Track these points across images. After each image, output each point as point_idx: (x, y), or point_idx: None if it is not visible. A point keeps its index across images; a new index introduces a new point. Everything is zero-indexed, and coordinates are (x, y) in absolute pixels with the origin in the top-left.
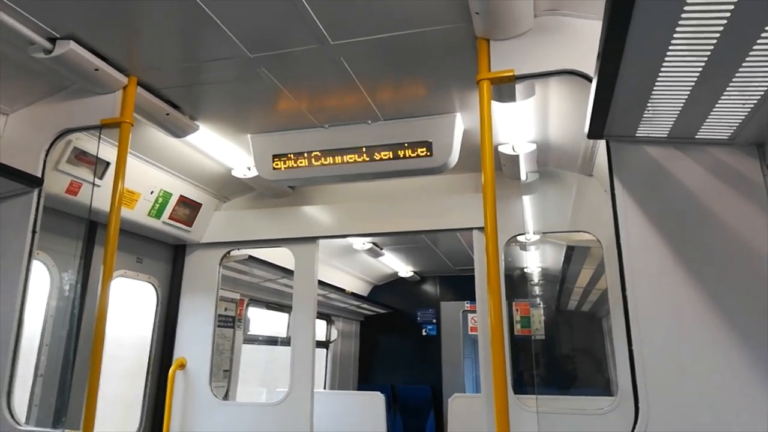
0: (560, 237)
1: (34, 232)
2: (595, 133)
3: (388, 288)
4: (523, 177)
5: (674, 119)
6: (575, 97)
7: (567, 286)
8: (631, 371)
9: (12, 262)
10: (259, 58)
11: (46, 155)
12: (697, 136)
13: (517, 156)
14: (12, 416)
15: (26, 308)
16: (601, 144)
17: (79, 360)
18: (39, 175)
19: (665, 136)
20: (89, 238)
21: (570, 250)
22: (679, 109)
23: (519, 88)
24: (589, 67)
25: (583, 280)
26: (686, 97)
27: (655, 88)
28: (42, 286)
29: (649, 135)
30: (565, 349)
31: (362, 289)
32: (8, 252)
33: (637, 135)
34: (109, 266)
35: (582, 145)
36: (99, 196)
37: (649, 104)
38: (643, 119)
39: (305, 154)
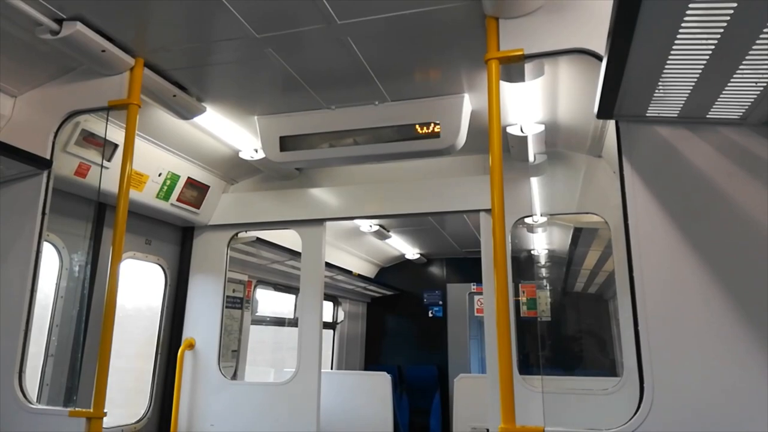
0: (568, 219)
1: (43, 213)
2: (604, 113)
3: (394, 270)
4: (531, 158)
5: (685, 99)
6: (585, 76)
7: (574, 268)
8: (637, 352)
9: (23, 244)
10: (265, 39)
11: (55, 137)
12: (708, 116)
13: (526, 137)
14: (24, 395)
15: (37, 289)
16: (611, 124)
17: (89, 340)
18: (48, 157)
19: (676, 115)
20: (98, 220)
21: (577, 232)
22: (691, 88)
23: (528, 67)
24: (600, 45)
25: (590, 262)
26: (698, 76)
27: (666, 67)
28: (52, 268)
29: (660, 115)
30: (571, 331)
31: (369, 271)
32: (19, 233)
33: (647, 115)
34: (118, 248)
35: (591, 126)
36: (107, 178)
37: (660, 83)
38: (653, 99)
39: (312, 136)
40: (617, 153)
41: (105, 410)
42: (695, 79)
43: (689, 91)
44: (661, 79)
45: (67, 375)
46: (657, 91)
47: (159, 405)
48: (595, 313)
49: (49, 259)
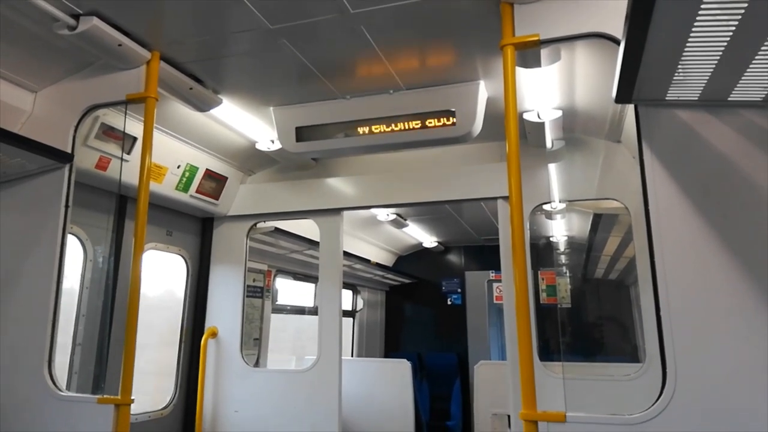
0: (587, 205)
1: (67, 206)
2: (623, 97)
3: (412, 258)
4: (548, 145)
5: (706, 81)
6: (602, 60)
7: (594, 254)
8: (659, 337)
9: (48, 237)
10: (279, 30)
11: (75, 131)
12: (729, 99)
13: (543, 123)
14: (54, 383)
15: (63, 281)
16: (630, 109)
17: (114, 329)
18: (69, 151)
19: (696, 98)
20: (120, 212)
21: (597, 218)
22: (711, 70)
23: (544, 53)
24: (617, 29)
25: (610, 247)
26: (719, 57)
27: (686, 49)
28: (77, 259)
29: (680, 98)
30: (591, 317)
31: (387, 259)
32: (44, 227)
33: (666, 98)
34: (140, 239)
35: (610, 111)
36: (128, 171)
37: (679, 66)
38: (673, 82)
39: (328, 126)
40: (637, 138)
41: (132, 397)
42: (716, 61)
43: (710, 74)
44: (680, 62)
45: (94, 363)
46: (677, 74)
47: (184, 392)
48: (616, 299)
49: (74, 251)
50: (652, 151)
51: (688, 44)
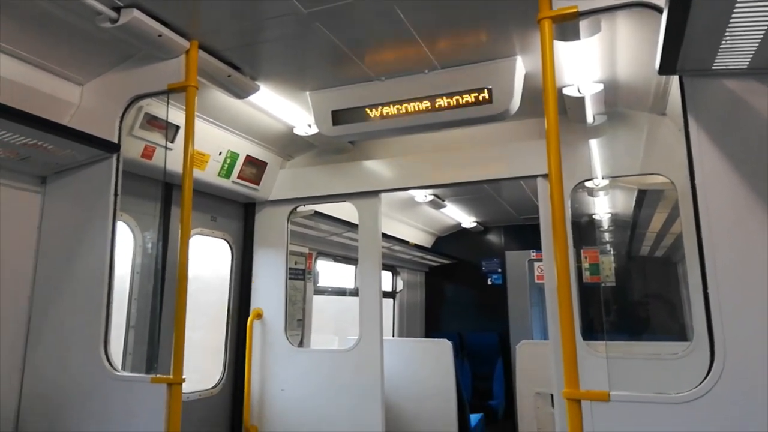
0: (631, 181)
1: (116, 195)
2: (667, 68)
3: (451, 239)
4: (589, 120)
5: (756, 48)
6: (645, 30)
7: (639, 231)
8: (707, 315)
9: (99, 224)
10: (313, 13)
11: (121, 122)
12: None
13: (583, 98)
14: (110, 363)
15: (115, 265)
16: (674, 80)
17: (165, 312)
18: (116, 141)
19: (745, 67)
20: (166, 199)
21: (641, 194)
22: (761, 36)
23: (583, 25)
24: None
25: (656, 224)
26: None
27: (733, 14)
28: (127, 245)
29: (727, 67)
30: (637, 296)
31: (426, 240)
32: (95, 215)
33: (713, 68)
34: (186, 225)
35: (653, 83)
36: (172, 159)
37: (726, 33)
38: (720, 50)
39: (364, 109)
40: (682, 109)
41: (183, 376)
42: (766, 27)
43: (759, 40)
44: (728, 29)
45: (146, 344)
46: (723, 42)
47: (232, 372)
48: (663, 276)
49: (124, 238)
50: (699, 123)
51: (736, 8)
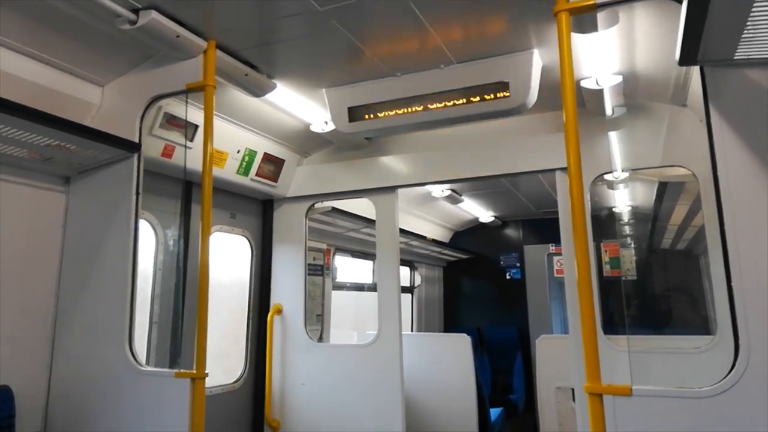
0: (651, 173)
1: (137, 193)
2: (687, 59)
3: (469, 233)
4: (608, 112)
5: None
6: (664, 20)
7: (660, 224)
8: (731, 308)
9: (122, 223)
10: (328, 11)
11: (141, 121)
12: None
13: (601, 90)
14: (135, 358)
15: (138, 263)
16: (695, 70)
17: (187, 308)
18: (137, 141)
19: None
20: (186, 197)
21: (662, 187)
22: None
23: (601, 16)
24: None
25: (677, 217)
26: None
27: (755, 3)
28: (149, 243)
29: (749, 57)
30: (658, 289)
31: (443, 235)
32: (118, 214)
33: (735, 58)
34: (206, 223)
35: (673, 73)
36: (191, 157)
37: (748, 23)
38: (741, 40)
39: (380, 105)
40: (703, 100)
41: (206, 371)
42: None
43: None
44: (749, 18)
45: (169, 340)
46: (745, 31)
47: (254, 366)
48: (685, 269)
49: (146, 236)
50: (721, 114)
51: None
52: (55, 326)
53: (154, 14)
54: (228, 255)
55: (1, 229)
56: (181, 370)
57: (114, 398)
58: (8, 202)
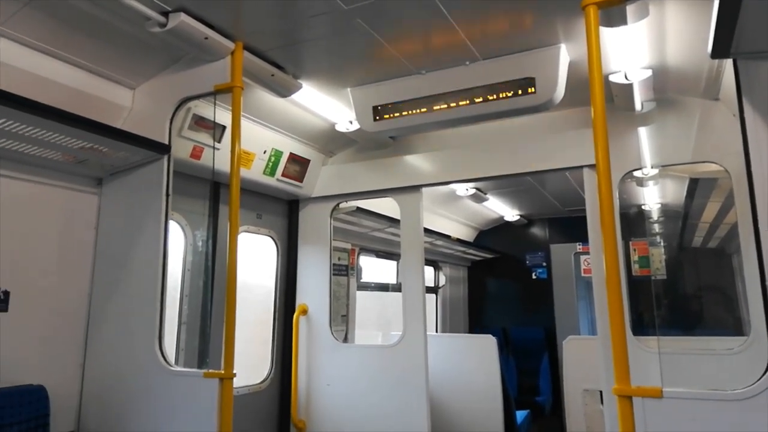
0: (682, 170)
1: (167, 194)
2: (720, 51)
3: (494, 233)
4: (637, 107)
5: None
6: (695, 12)
7: (691, 222)
8: (765, 309)
9: (152, 224)
10: (353, 9)
11: (171, 123)
12: None
13: (631, 85)
14: (164, 358)
15: (168, 264)
16: (728, 63)
17: (215, 308)
18: (167, 143)
19: None
20: (214, 198)
21: (693, 184)
22: None
23: (630, 9)
24: None
25: (709, 214)
26: None
27: None
28: (178, 244)
29: None
30: (689, 289)
31: (468, 235)
32: (148, 214)
33: None
34: (234, 223)
35: (705, 66)
36: (219, 159)
37: None
38: None
39: (404, 103)
40: (736, 94)
41: (234, 371)
42: None
43: None
44: None
45: (198, 340)
46: None
47: (280, 367)
48: (717, 268)
49: (175, 236)
50: (755, 108)
51: None
52: (87, 326)
53: (183, 16)
54: (254, 255)
55: (36, 231)
56: (210, 371)
57: (144, 398)
58: (43, 203)
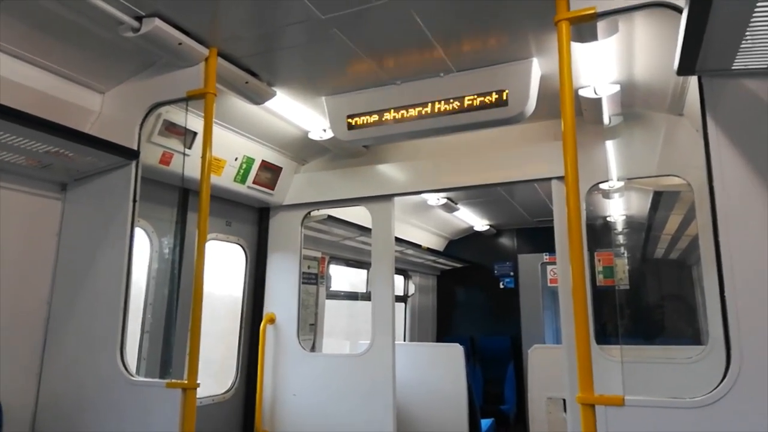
0: (647, 183)
1: (134, 201)
2: (685, 68)
3: (463, 242)
4: (605, 121)
5: None
6: (663, 30)
7: (654, 233)
8: (723, 320)
9: (117, 230)
10: (330, 19)
11: (140, 129)
12: None
13: (599, 99)
14: (126, 368)
15: (132, 271)
16: (693, 80)
17: (180, 317)
18: (135, 148)
19: (765, 67)
20: (183, 205)
21: (657, 196)
22: None
23: (601, 26)
24: None
25: (671, 226)
26: None
27: (754, 13)
28: (144, 251)
29: (747, 67)
30: (651, 299)
31: (438, 244)
32: (114, 221)
33: (733, 68)
34: (203, 230)
35: (671, 83)
36: (189, 165)
37: (747, 33)
38: (740, 50)
39: (378, 113)
40: (700, 110)
41: (198, 381)
42: None
43: None
44: (748, 28)
45: (161, 349)
46: (744, 41)
47: (245, 376)
48: (678, 279)
49: (141, 243)
50: (717, 124)
51: (756, 8)
52: (46, 335)
53: (158, 22)
54: (222, 263)
55: None
56: (172, 381)
57: (104, 409)
58: (3, 208)
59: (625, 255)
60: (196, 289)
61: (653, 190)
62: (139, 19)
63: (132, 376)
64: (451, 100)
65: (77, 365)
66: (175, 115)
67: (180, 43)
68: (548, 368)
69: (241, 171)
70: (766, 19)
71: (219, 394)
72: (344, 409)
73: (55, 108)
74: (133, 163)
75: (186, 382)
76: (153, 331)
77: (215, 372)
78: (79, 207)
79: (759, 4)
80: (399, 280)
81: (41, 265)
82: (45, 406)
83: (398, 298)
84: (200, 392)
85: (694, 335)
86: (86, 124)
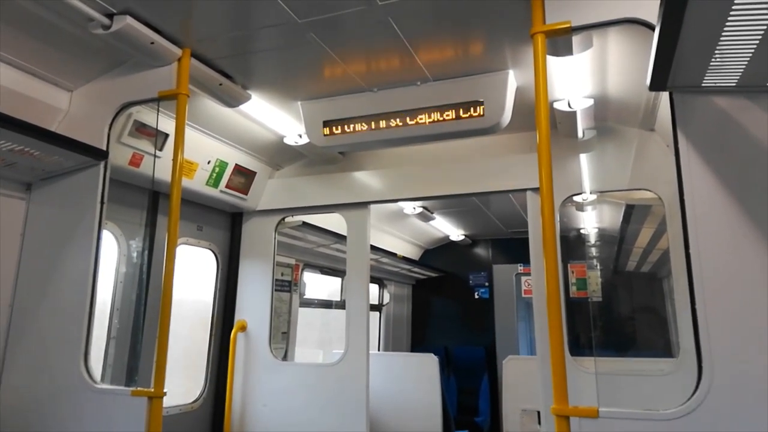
0: (619, 196)
1: (102, 203)
2: (657, 84)
3: (439, 252)
4: (579, 134)
5: (745, 66)
6: (636, 47)
7: (626, 246)
8: (694, 332)
9: (84, 233)
10: (307, 24)
11: (110, 129)
12: None
13: (574, 112)
14: (90, 375)
15: (99, 275)
16: (664, 96)
17: (148, 323)
18: (104, 149)
19: (734, 85)
20: (153, 208)
21: (629, 209)
22: (751, 55)
23: (576, 40)
24: (652, 14)
25: (643, 239)
26: (758, 42)
27: (723, 33)
28: (111, 254)
29: (717, 84)
30: (623, 311)
31: (413, 253)
32: (80, 223)
33: (703, 85)
34: (173, 235)
35: (643, 98)
36: (160, 167)
37: (716, 51)
38: (710, 68)
39: (355, 119)
40: (671, 126)
41: (165, 390)
42: (755, 46)
43: (749, 58)
44: (718, 47)
45: (128, 356)
46: (713, 59)
47: (214, 385)
48: (649, 292)
49: (108, 247)
50: (688, 140)
51: (726, 28)
52: (7, 338)
53: (129, 20)
54: (192, 269)
55: None
56: (138, 389)
57: (66, 417)
58: None
59: (598, 267)
60: (165, 293)
61: (625, 203)
62: (110, 16)
63: (96, 383)
64: (428, 109)
65: (39, 371)
66: (147, 115)
67: (152, 43)
68: (522, 380)
69: (214, 175)
70: (735, 38)
71: (187, 404)
72: (316, 420)
73: (20, 105)
74: (102, 164)
75: (152, 390)
76: (119, 337)
77: (183, 382)
78: (45, 208)
79: (728, 24)
80: (374, 288)
81: (3, 266)
82: (5, 413)
83: (373, 307)
84: (167, 401)
85: (665, 347)
86: (53, 123)
